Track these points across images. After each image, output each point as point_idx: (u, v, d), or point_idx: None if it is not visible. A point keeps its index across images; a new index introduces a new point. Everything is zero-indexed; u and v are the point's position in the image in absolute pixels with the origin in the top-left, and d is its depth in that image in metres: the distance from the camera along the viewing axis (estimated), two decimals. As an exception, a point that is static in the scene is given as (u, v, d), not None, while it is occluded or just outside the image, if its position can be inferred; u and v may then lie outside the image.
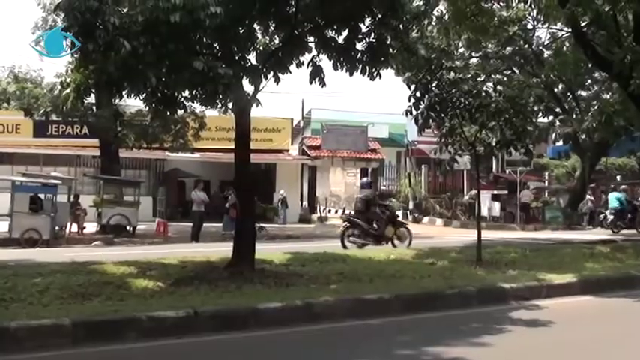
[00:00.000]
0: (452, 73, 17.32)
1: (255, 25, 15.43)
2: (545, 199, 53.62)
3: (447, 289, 13.65)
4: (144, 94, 14.74)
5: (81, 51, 12.57)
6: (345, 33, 14.89)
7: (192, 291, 12.81)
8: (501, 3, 32.04)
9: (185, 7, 11.38)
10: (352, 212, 29.55)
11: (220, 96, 13.89)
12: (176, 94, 14.93)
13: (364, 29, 14.81)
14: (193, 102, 15.56)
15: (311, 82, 15.34)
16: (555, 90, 46.30)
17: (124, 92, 14.48)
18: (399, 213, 49.23)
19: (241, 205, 16.65)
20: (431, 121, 17.91)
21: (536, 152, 45.22)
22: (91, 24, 11.49)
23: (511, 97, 17.26)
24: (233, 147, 16.43)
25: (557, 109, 46.80)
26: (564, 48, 37.82)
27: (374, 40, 14.81)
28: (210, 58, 13.54)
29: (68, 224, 31.51)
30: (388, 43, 15.04)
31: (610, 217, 39.61)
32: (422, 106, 17.42)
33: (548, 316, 12.06)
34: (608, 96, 42.15)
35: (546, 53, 42.11)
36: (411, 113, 17.51)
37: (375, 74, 15.06)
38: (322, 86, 15.47)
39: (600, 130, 36.08)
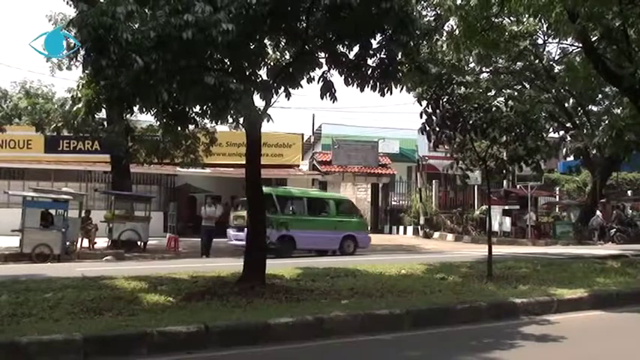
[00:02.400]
0: (462, 88, 17.33)
1: (266, 41, 15.48)
2: (556, 214, 53.51)
3: (458, 304, 13.65)
4: (155, 110, 14.81)
5: (93, 67, 12.62)
6: (355, 49, 14.90)
7: (203, 306, 12.84)
8: (512, 18, 32.07)
9: (197, 24, 11.40)
10: None
11: (231, 111, 13.89)
12: (187, 109, 14.98)
13: (375, 45, 14.82)
14: (204, 118, 15.57)
15: (322, 98, 15.33)
16: (566, 105, 46.28)
17: (135, 108, 14.55)
18: (410, 228, 49.35)
19: (252, 221, 16.66)
20: (444, 136, 17.94)
21: (547, 167, 45.30)
22: (104, 40, 11.53)
23: (522, 112, 17.26)
24: (244, 162, 16.45)
25: (568, 124, 46.77)
26: (575, 63, 37.77)
27: (384, 56, 14.81)
28: (222, 73, 13.57)
29: (79, 239, 31.47)
30: (399, 59, 15.05)
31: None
32: (434, 121, 17.43)
33: (559, 331, 12.05)
34: (618, 111, 42.07)
35: (557, 68, 42.08)
36: (426, 130, 17.52)
37: (385, 90, 15.04)
38: (333, 101, 15.45)
39: (611, 144, 35.97)
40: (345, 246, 33.73)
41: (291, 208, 33.66)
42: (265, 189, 31.21)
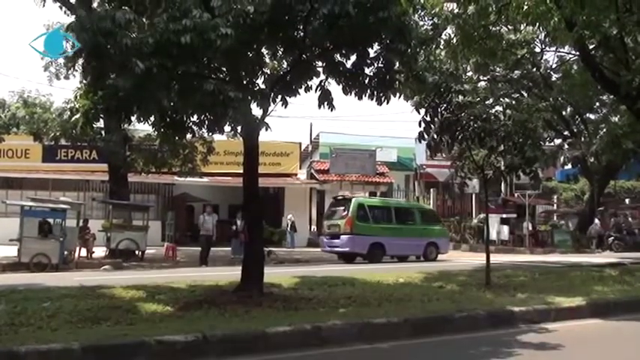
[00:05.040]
0: (460, 97, 17.32)
1: (263, 50, 15.51)
2: (553, 222, 53.53)
3: (456, 312, 13.62)
4: (153, 119, 14.81)
5: (92, 73, 12.62)
6: (353, 57, 14.91)
7: (201, 315, 12.82)
8: (509, 26, 32.13)
9: (196, 28, 11.41)
10: None
11: (229, 119, 13.91)
12: (185, 118, 14.98)
13: (372, 54, 14.84)
14: (202, 127, 15.55)
15: (320, 107, 15.34)
16: (564, 113, 46.34)
17: (133, 117, 14.54)
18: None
19: (249, 229, 16.65)
20: (442, 143, 17.94)
21: (544, 175, 45.33)
22: (103, 45, 11.52)
23: (520, 121, 17.25)
24: (242, 171, 16.44)
25: (566, 132, 46.83)
26: (572, 71, 37.84)
27: (382, 65, 14.83)
28: (220, 81, 13.58)
29: (77, 249, 31.41)
30: (396, 68, 15.06)
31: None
32: (432, 130, 17.43)
33: (558, 340, 12.03)
34: (616, 119, 42.18)
35: (554, 76, 42.15)
36: (424, 138, 17.51)
37: (383, 99, 15.07)
38: (331, 110, 15.48)
39: (608, 152, 36.08)
40: (428, 252, 35.91)
41: (381, 217, 35.77)
42: (357, 199, 35.81)
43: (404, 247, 35.27)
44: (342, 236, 33.97)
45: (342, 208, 35.64)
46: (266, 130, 14.93)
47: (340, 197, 38.62)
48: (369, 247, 33.78)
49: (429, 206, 42.87)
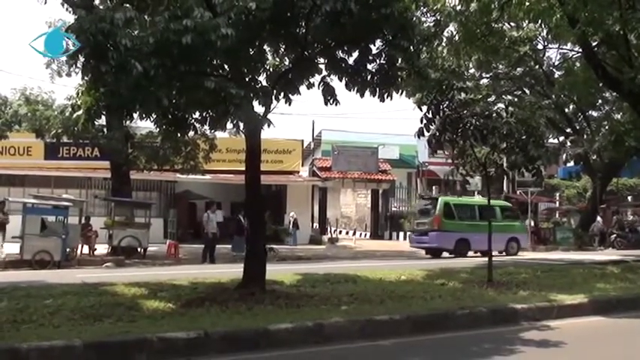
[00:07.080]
0: (463, 94, 17.27)
1: (265, 47, 15.48)
2: (556, 219, 53.49)
3: (458, 309, 13.61)
4: (155, 116, 14.78)
5: (92, 73, 12.60)
6: (355, 54, 14.89)
7: (202, 312, 12.81)
8: (512, 23, 32.09)
9: (196, 29, 11.39)
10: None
11: (232, 117, 13.87)
12: (187, 115, 14.95)
13: (374, 50, 14.80)
14: (204, 124, 15.52)
15: (326, 103, 15.22)
16: (566, 110, 46.25)
17: (135, 114, 14.52)
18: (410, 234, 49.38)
19: (251, 227, 16.63)
20: (444, 140, 17.90)
21: (547, 173, 45.25)
22: (103, 45, 11.51)
23: (522, 119, 17.20)
24: (244, 168, 16.40)
25: (568, 130, 46.74)
26: (575, 68, 37.78)
27: (384, 62, 14.79)
28: (222, 79, 13.56)
29: (79, 246, 31.35)
30: (398, 65, 15.02)
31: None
32: (433, 127, 17.38)
33: (560, 337, 12.02)
34: (618, 116, 42.10)
35: (557, 73, 42.04)
36: (423, 135, 17.47)
37: (385, 96, 15.02)
38: (336, 105, 15.39)
39: (611, 150, 36.02)
40: (509, 247, 38.09)
41: (465, 215, 38.07)
42: (443, 199, 38.64)
43: (487, 243, 35.30)
44: (431, 233, 36.83)
45: (430, 207, 39.17)
46: (268, 126, 14.91)
47: (427, 197, 42.52)
48: (455, 242, 36.15)
49: (509, 204, 43.84)
